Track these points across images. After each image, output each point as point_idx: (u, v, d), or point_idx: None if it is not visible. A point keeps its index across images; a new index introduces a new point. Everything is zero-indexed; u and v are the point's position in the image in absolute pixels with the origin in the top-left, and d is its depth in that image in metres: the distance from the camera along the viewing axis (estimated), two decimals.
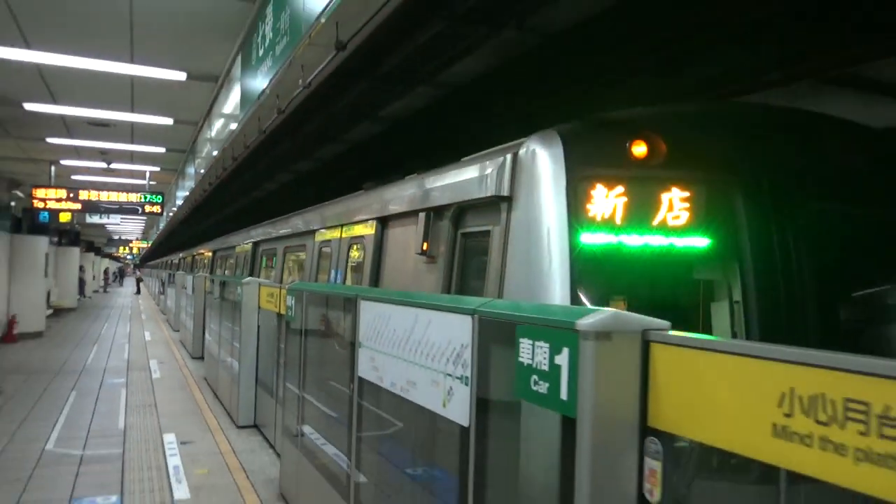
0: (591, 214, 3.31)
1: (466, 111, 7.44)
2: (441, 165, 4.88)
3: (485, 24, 5.33)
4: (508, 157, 3.63)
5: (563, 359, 2.19)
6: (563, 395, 2.18)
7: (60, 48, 8.53)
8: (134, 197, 18.20)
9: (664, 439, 2.08)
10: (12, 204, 20.26)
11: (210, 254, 18.53)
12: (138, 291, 49.55)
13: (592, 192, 3.31)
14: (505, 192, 3.58)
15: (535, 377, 2.33)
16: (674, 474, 2.15)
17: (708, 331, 3.45)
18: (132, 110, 11.72)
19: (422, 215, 4.58)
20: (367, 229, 5.82)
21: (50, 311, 22.73)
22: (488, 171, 3.79)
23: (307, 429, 5.59)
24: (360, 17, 5.16)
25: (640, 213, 3.36)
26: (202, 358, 14.03)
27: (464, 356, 2.86)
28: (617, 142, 3.37)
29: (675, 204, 3.40)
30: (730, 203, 3.46)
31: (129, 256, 76.73)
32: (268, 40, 6.24)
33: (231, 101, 9.33)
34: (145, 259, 65.25)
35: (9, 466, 6.93)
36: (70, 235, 27.80)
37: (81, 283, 33.75)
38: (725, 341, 1.87)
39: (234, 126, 9.54)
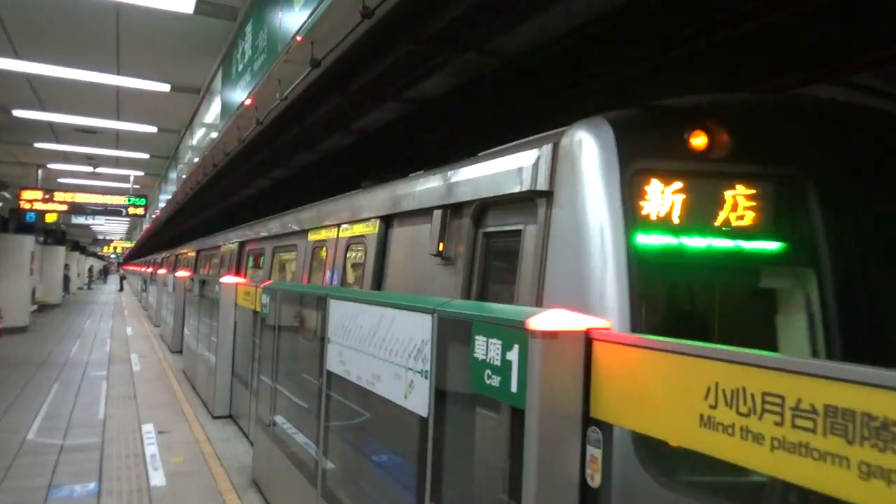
0: (646, 213, 2.74)
1: (433, 125, 7.44)
2: (411, 174, 4.76)
3: (448, 46, 5.35)
4: (547, 147, 3.01)
5: (513, 355, 2.20)
6: (514, 388, 2.19)
7: (49, 59, 8.29)
8: (118, 199, 17.75)
9: (604, 429, 2.11)
10: (0, 205, 19.59)
11: (193, 253, 17.97)
12: (121, 289, 48.29)
13: (647, 188, 2.75)
14: (542, 187, 2.97)
15: (488, 371, 2.34)
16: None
17: (775, 347, 2.89)
18: (118, 118, 11.44)
19: (437, 213, 3.93)
20: (369, 228, 5.18)
21: (35, 307, 22.00)
22: (520, 163, 3.17)
23: (279, 419, 5.51)
24: (334, 37, 5.13)
25: (701, 212, 2.79)
26: (181, 352, 13.72)
27: (424, 352, 2.85)
28: (674, 131, 2.82)
29: (739, 202, 2.82)
30: (803, 202, 2.84)
31: (113, 255, 74.80)
32: (247, 56, 6.16)
33: (212, 112, 9.18)
34: (129, 258, 63.67)
35: None
36: (56, 235, 26.98)
37: (66, 280, 32.76)
38: (658, 339, 1.90)
39: (214, 135, 9.38)
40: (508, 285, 3.23)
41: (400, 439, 3.54)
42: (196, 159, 11.84)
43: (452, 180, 3.94)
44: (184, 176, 14.06)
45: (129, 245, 55.49)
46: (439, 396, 2.76)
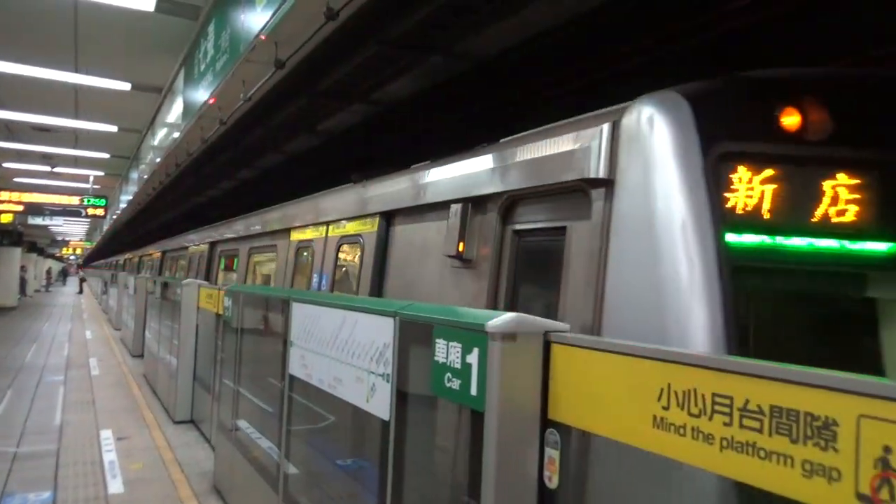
0: (732, 206, 2.31)
1: (400, 128, 7.43)
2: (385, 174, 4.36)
3: (414, 49, 5.35)
4: (604, 127, 2.54)
5: (473, 358, 2.21)
6: (473, 390, 2.19)
7: (4, 55, 8.04)
8: (77, 200, 17.29)
9: (562, 430, 2.13)
10: None
11: (158, 255, 17.37)
12: (81, 291, 47.01)
13: (734, 176, 2.32)
14: (598, 174, 2.49)
15: (448, 374, 2.34)
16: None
17: (881, 367, 2.43)
18: (76, 117, 11.16)
19: (455, 208, 3.43)
20: (366, 226, 4.67)
21: None
22: (565, 147, 2.70)
23: (241, 423, 5.43)
24: (299, 38, 5.09)
25: (796, 206, 2.34)
26: (142, 356, 13.42)
27: (386, 355, 2.84)
28: (762, 108, 2.39)
29: (840, 194, 2.36)
30: None
31: (72, 257, 72.79)
32: (209, 56, 6.07)
33: (174, 112, 9.02)
34: (89, 259, 62.05)
35: None
36: (12, 236, 26.16)
37: (23, 282, 31.79)
38: (614, 341, 1.93)
39: (177, 135, 9.21)
40: (547, 294, 2.78)
41: (363, 443, 3.52)
42: (158, 159, 11.62)
43: (474, 169, 3.40)
44: (146, 176, 13.78)
45: (89, 246, 54.07)
46: (401, 400, 2.76)
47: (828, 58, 3.72)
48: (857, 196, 2.37)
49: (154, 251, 18.47)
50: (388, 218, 4.40)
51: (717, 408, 1.60)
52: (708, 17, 3.97)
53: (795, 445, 1.43)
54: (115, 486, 5.90)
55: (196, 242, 11.70)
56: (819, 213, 2.35)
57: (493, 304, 3.07)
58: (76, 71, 8.50)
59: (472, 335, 2.21)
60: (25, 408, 9.03)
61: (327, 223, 5.48)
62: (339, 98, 6.80)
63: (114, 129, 11.80)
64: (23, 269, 31.24)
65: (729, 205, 2.31)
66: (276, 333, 4.66)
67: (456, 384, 2.29)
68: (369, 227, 4.59)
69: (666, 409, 1.74)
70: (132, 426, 8.13)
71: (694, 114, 2.35)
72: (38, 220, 22.63)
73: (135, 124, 11.66)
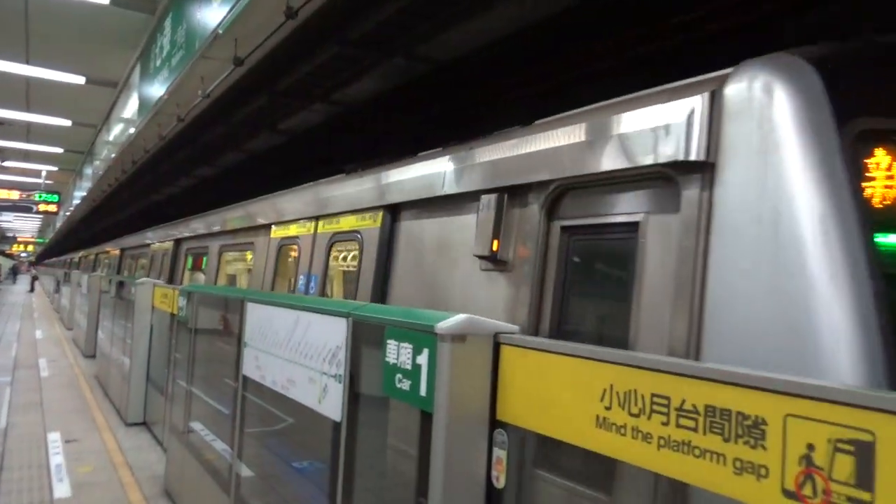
0: (871, 198, 1.89)
1: (360, 129, 7.41)
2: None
3: (375, 50, 5.34)
4: (700, 99, 2.06)
5: (423, 359, 2.22)
6: (423, 391, 2.20)
7: None
8: (28, 195, 16.73)
9: (510, 431, 2.15)
10: None
11: (117, 252, 16.44)
12: (32, 290, 45.43)
13: (875, 161, 1.91)
14: (693, 156, 2.03)
15: (399, 375, 2.34)
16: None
17: None
18: (28, 110, 10.80)
19: (487, 199, 2.92)
20: (366, 221, 4.17)
21: None
22: (643, 124, 2.23)
23: (193, 425, 5.32)
24: (258, 36, 5.03)
25: None
26: (95, 356, 13.04)
27: (339, 356, 2.83)
28: None
29: None
30: None
31: (23, 254, 70.33)
32: (165, 51, 5.95)
33: (130, 107, 8.81)
34: (42, 257, 60.04)
35: None
36: None
37: None
38: (560, 343, 1.96)
39: (133, 130, 9.00)
40: (610, 306, 2.38)
41: (316, 445, 3.49)
42: (114, 155, 11.32)
43: (512, 153, 2.89)
44: (101, 172, 13.41)
45: (41, 243, 52.34)
46: (353, 401, 2.74)
47: None
48: None
49: (112, 249, 17.89)
50: (395, 212, 3.88)
51: (655, 408, 1.64)
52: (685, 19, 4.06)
53: (727, 444, 1.47)
54: (62, 490, 5.71)
55: (159, 239, 10.87)
56: None
57: (537, 315, 2.57)
58: (27, 62, 8.23)
59: (423, 336, 2.22)
60: None
61: (316, 218, 4.85)
62: (300, 97, 6.75)
63: (68, 123, 11.48)
64: None
65: (874, 196, 1.88)
66: (230, 334, 4.58)
67: (406, 385, 2.29)
68: (370, 223, 4.09)
69: (608, 409, 1.77)
70: (82, 428, 7.89)
71: (822, 83, 1.91)
72: None
73: (90, 119, 11.35)
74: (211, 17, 4.77)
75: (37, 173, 17.77)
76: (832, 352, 1.64)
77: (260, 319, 3.81)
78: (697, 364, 1.57)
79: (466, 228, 3.12)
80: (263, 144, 9.40)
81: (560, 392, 1.93)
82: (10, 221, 28.79)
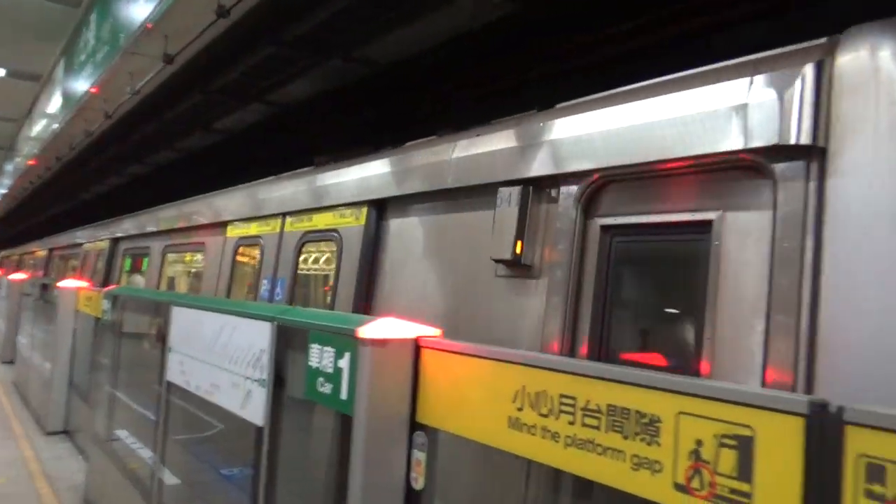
0: None
1: (295, 130, 7.32)
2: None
3: (312, 51, 5.30)
4: (805, 70, 1.72)
5: (345, 362, 2.22)
6: (343, 395, 2.20)
7: None
8: None
9: (429, 433, 2.18)
10: None
11: (44, 253, 15.67)
12: None
13: None
14: (795, 139, 1.69)
15: (321, 379, 2.34)
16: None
17: None
18: None
19: (507, 193, 2.49)
20: (346, 219, 3.64)
21: None
22: (722, 101, 1.86)
23: (115, 433, 5.13)
24: (189, 33, 4.92)
25: None
26: (13, 362, 12.37)
27: (262, 360, 2.79)
28: None
29: None
30: None
31: None
32: (90, 46, 5.74)
33: (55, 102, 8.43)
34: None
35: None
36: None
37: None
38: (475, 346, 2.00)
39: (57, 126, 8.61)
40: (671, 321, 2.03)
41: (245, 451, 3.42)
42: (37, 151, 10.80)
43: (539, 138, 2.44)
44: (23, 168, 12.77)
45: None
46: (277, 405, 2.72)
47: None
48: None
49: (38, 249, 16.92)
50: (381, 208, 3.41)
51: (563, 408, 1.70)
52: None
53: (626, 441, 1.54)
54: None
55: (93, 239, 10.01)
56: None
57: (573, 334, 2.18)
58: None
59: (344, 340, 2.22)
60: None
61: (283, 215, 4.31)
62: (235, 97, 6.63)
63: None
64: None
65: None
66: (155, 339, 4.45)
67: (328, 388, 2.29)
68: (351, 221, 3.58)
69: (520, 409, 1.82)
70: None
71: None
72: None
73: (10, 113, 10.78)
74: (138, 12, 4.64)
75: None
76: None
77: (186, 324, 3.72)
78: (601, 365, 1.64)
79: (476, 227, 2.68)
80: (199, 143, 9.16)
81: (476, 394, 1.97)
82: None
